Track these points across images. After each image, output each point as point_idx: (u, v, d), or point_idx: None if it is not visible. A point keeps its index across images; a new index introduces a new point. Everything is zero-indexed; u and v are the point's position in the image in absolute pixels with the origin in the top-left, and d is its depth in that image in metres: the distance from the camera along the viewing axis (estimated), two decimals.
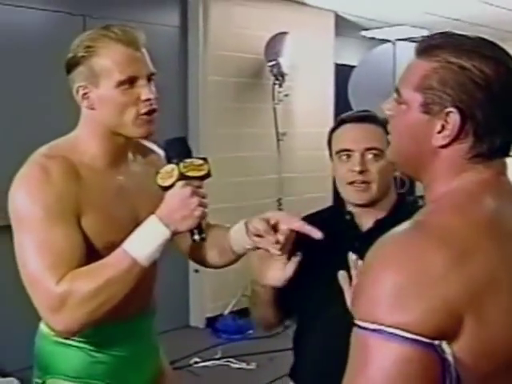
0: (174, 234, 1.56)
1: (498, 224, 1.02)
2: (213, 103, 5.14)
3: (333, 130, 1.84)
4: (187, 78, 5.12)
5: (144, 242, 1.54)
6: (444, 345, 0.93)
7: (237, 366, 4.43)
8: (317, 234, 1.54)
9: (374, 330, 0.93)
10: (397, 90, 1.13)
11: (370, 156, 1.74)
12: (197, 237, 1.59)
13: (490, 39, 1.08)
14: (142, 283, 1.60)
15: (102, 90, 1.60)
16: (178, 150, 1.60)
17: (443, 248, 0.95)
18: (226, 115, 5.24)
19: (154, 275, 1.81)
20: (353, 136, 1.78)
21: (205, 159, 1.60)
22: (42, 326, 1.70)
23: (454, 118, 1.04)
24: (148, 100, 1.60)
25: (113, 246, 1.55)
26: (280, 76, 5.28)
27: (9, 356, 3.80)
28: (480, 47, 1.06)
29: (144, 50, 1.64)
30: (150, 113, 1.62)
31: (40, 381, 1.73)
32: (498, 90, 1.04)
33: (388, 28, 6.52)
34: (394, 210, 1.77)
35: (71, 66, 1.62)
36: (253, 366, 4.39)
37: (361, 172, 1.73)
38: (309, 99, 5.83)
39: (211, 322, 5.17)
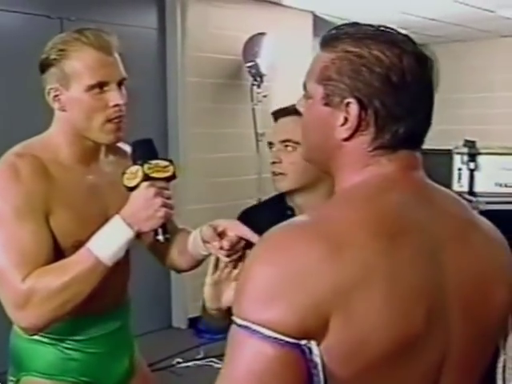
0: (138, 233, 1.58)
1: (394, 221, 0.96)
2: (192, 104, 5.14)
3: None
4: (166, 80, 5.11)
5: (107, 241, 1.56)
6: (312, 345, 0.89)
7: (219, 365, 4.37)
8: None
9: (240, 326, 0.91)
10: (304, 85, 1.08)
11: (284, 148, 1.81)
12: (160, 237, 1.61)
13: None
14: (115, 280, 1.62)
15: (72, 93, 1.62)
16: (144, 151, 1.62)
17: (320, 243, 0.91)
18: (205, 116, 5.25)
19: (127, 272, 1.84)
20: (273, 129, 1.87)
21: (170, 161, 1.63)
22: None
23: (353, 108, 0.99)
24: (117, 105, 1.62)
25: (80, 245, 1.57)
26: (258, 77, 5.30)
27: None
28: (380, 36, 1.01)
29: (116, 55, 1.65)
30: (118, 119, 1.64)
31: (14, 379, 1.76)
32: (398, 78, 0.98)
33: None
34: None
35: (44, 66, 1.64)
36: None
37: (273, 163, 1.82)
38: (288, 100, 5.82)
39: (193, 322, 5.17)
